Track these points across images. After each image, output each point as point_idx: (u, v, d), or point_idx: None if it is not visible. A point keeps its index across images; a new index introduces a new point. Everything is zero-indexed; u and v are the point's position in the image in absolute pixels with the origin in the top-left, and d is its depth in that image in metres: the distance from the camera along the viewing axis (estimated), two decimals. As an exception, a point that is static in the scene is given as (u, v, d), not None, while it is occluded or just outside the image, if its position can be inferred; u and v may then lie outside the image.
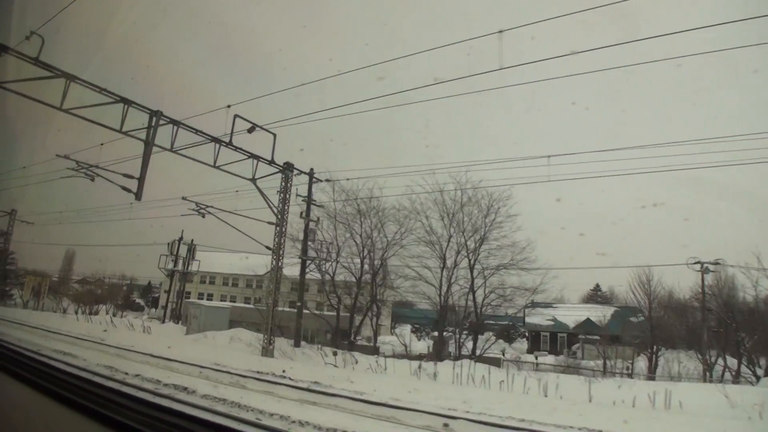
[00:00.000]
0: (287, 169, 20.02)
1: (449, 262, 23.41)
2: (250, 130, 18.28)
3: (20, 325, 21.73)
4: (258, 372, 14.79)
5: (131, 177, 15.06)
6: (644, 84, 60.77)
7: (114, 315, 38.06)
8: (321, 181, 21.47)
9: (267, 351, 18.58)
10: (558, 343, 51.18)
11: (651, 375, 31.58)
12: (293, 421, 7.56)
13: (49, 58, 13.04)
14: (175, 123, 16.39)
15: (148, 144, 15.37)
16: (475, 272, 23.88)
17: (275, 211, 19.46)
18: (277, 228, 19.49)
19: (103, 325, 24.59)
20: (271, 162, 19.29)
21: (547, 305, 45.84)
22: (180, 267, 33.23)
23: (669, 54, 13.13)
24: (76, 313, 38.16)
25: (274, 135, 18.96)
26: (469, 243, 23.51)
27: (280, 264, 19.30)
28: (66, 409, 2.31)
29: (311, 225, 20.70)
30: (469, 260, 24.17)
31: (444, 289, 23.22)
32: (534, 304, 41.16)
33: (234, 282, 55.04)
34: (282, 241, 19.44)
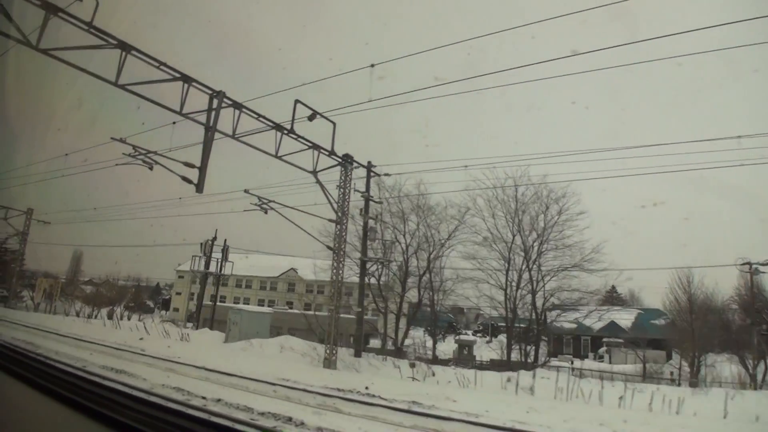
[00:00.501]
0: (347, 161, 18.12)
1: (511, 263, 21.64)
2: (310, 118, 16.34)
3: (46, 333, 19.80)
4: (339, 389, 13.05)
5: (192, 166, 13.13)
6: (645, 84, 62.50)
7: (128, 318, 36.28)
8: (378, 175, 19.57)
9: (330, 362, 16.68)
10: (581, 346, 48.42)
11: (694, 380, 30.19)
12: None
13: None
14: (237, 106, 14.46)
15: (210, 129, 13.47)
16: (535, 273, 22.09)
17: (335, 207, 17.58)
18: (338, 226, 17.60)
19: (134, 331, 22.60)
20: (331, 153, 17.40)
21: (568, 308, 48.43)
22: (212, 268, 31.02)
23: (670, 54, 13.08)
24: (90, 316, 36.46)
25: (334, 124, 17.07)
26: (529, 242, 21.74)
27: (340, 265, 17.38)
28: (67, 409, 2.28)
29: (370, 223, 18.78)
30: (528, 261, 22.42)
31: (513, 290, 21.43)
32: (555, 306, 43.97)
33: (273, 285, 53.34)
34: (343, 240, 17.54)
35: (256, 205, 16.18)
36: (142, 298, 55.54)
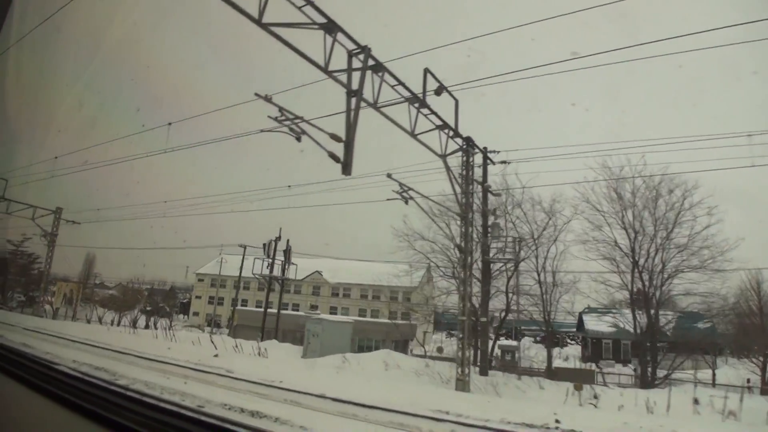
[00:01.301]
0: (469, 144, 15.28)
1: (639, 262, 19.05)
2: (437, 92, 13.60)
3: (91, 347, 16.63)
4: (527, 425, 10.39)
5: (339, 139, 10.21)
6: (645, 84, 61.75)
7: (154, 325, 33.03)
8: (494, 163, 16.78)
9: (464, 384, 13.79)
10: (621, 351, 47.43)
11: (766, 387, 28.23)
12: None
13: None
14: (378, 69, 11.57)
15: (355, 93, 10.57)
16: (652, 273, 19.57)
17: (459, 197, 14.74)
18: (463, 221, 14.74)
19: (194, 344, 19.38)
20: (455, 134, 14.57)
21: (604, 310, 38.43)
22: (270, 271, 27.82)
23: (671, 56, 12.45)
24: (113, 323, 33.60)
25: (457, 101, 14.32)
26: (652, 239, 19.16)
27: (469, 264, 14.51)
28: (66, 410, 2.26)
29: (493, 218, 15.99)
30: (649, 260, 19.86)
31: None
32: (590, 309, 38.26)
33: (345, 292, 50.73)
34: (469, 235, 14.67)
35: (396, 192, 13.26)
36: (159, 301, 52.49)
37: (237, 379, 13.23)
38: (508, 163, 16.39)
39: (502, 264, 18.00)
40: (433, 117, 13.48)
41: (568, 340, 55.73)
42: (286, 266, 27.44)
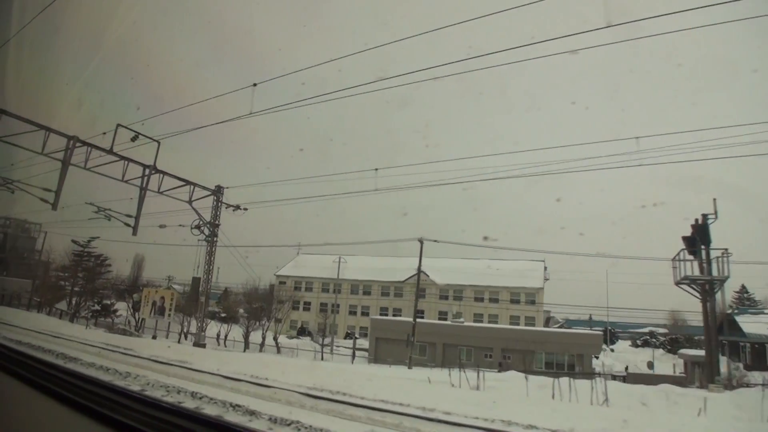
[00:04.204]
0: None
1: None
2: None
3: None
4: None
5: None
6: (645, 83, 60.34)
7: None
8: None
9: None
10: None
11: None
12: None
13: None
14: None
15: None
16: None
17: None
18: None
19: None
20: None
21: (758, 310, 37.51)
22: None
23: (670, 55, 15.23)
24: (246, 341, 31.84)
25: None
26: None
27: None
28: (67, 409, 2.33)
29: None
30: None
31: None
32: (740, 309, 37.25)
33: (456, 294, 47.68)
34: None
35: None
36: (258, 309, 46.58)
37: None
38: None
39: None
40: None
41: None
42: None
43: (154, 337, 32.05)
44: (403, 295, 48.47)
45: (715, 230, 19.89)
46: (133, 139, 17.76)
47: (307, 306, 50.35)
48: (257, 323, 35.99)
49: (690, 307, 28.76)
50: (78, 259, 42.32)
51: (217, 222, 24.90)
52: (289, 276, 52.51)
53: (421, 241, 29.15)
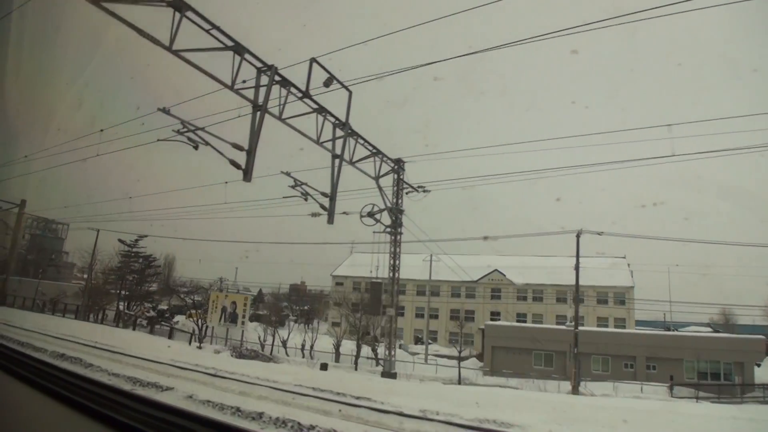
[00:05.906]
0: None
1: None
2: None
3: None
4: None
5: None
6: (645, 83, 58.72)
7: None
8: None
9: None
10: None
11: None
12: None
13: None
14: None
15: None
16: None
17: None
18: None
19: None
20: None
21: None
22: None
23: (670, 54, 15.82)
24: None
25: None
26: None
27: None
28: (68, 409, 2.32)
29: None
30: None
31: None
32: None
33: (536, 295, 44.23)
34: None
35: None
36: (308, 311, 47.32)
37: None
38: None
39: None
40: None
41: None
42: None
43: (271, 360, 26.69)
44: (475, 296, 45.19)
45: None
46: (327, 84, 13.31)
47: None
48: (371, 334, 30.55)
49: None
50: (125, 261, 38.77)
51: (401, 207, 18.95)
52: (348, 276, 47.97)
53: (578, 235, 24.95)
